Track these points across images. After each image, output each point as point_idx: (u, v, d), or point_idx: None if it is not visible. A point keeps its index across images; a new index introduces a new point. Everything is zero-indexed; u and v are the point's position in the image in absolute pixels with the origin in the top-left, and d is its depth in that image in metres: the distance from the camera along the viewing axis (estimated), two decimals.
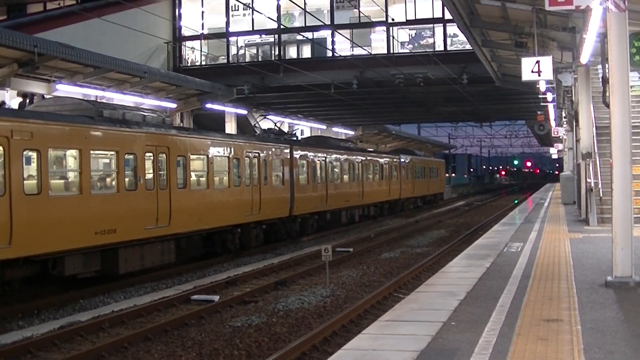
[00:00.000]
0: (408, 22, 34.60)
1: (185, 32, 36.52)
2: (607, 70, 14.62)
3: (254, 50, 36.70)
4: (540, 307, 9.18)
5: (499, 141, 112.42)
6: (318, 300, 16.14)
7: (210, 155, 22.15)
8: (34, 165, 15.41)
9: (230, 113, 36.75)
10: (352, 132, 55.60)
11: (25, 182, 15.07)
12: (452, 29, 32.75)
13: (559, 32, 20.38)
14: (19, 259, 15.11)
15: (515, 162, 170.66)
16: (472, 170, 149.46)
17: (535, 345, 7.34)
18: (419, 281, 16.98)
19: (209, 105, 33.32)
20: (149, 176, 19.06)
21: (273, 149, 26.91)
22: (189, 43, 36.93)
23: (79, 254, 16.71)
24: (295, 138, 33.30)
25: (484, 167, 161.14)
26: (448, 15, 29.97)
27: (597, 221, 20.08)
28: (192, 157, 21.17)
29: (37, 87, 24.48)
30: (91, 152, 17.06)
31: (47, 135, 15.76)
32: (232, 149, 23.57)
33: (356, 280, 19.08)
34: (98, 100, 23.39)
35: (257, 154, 25.28)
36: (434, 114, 55.11)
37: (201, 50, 36.74)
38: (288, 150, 28.33)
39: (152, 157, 19.18)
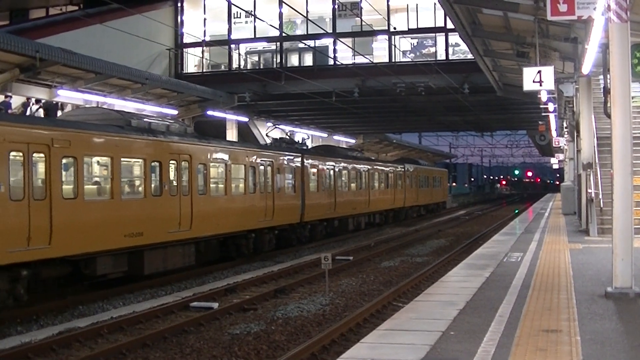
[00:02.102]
0: (410, 31, 34.67)
1: (187, 39, 36.57)
2: (608, 81, 14.62)
3: (256, 58, 36.73)
4: (540, 318, 9.15)
5: (500, 151, 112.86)
6: (317, 308, 16.11)
7: (228, 163, 23.20)
8: (71, 171, 16.46)
9: (232, 120, 36.77)
10: (353, 141, 55.58)
11: (63, 187, 16.08)
12: (454, 38, 32.79)
13: (560, 43, 20.40)
14: (56, 259, 15.97)
15: (516, 172, 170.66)
16: (472, 179, 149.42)
17: (534, 355, 7.30)
18: (419, 290, 16.95)
19: (210, 112, 33.34)
20: (173, 183, 20.12)
21: (286, 158, 28.09)
22: (192, 50, 36.98)
23: (109, 255, 17.69)
24: (305, 147, 34.10)
25: (485, 176, 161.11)
26: (450, 25, 29.96)
27: (598, 232, 20.05)
28: (211, 164, 22.25)
29: (38, 93, 24.50)
30: (121, 159, 18.13)
31: (83, 144, 16.84)
32: (248, 157, 24.70)
33: (355, 288, 19.04)
34: (126, 111, 23.85)
35: (271, 162, 26.39)
36: (435, 123, 55.15)
37: (203, 57, 36.75)
38: (300, 159, 29.38)
39: (175, 165, 20.24)
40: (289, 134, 37.21)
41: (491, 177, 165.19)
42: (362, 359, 7.51)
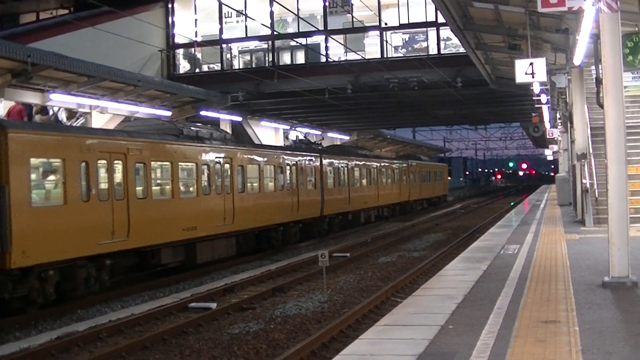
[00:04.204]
0: (401, 27, 34.59)
1: (179, 39, 36.50)
2: (600, 71, 14.65)
3: (248, 57, 36.68)
4: (538, 309, 9.17)
5: (494, 144, 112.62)
6: (316, 306, 16.12)
7: (261, 164, 26.21)
8: (141, 175, 19.17)
9: (225, 120, 36.74)
10: (347, 137, 55.54)
11: (136, 188, 18.82)
12: (446, 32, 32.75)
13: (552, 34, 20.42)
14: (130, 250, 18.53)
15: (511, 165, 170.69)
16: (467, 173, 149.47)
17: (534, 347, 7.33)
18: (417, 285, 16.96)
19: (203, 113, 33.29)
20: (218, 182, 22.95)
21: (307, 158, 31.08)
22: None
23: (170, 246, 20.44)
24: (320, 147, 36.50)
25: (480, 169, 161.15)
26: (441, 19, 29.95)
27: (593, 222, 20.08)
28: (248, 166, 25.20)
29: (31, 97, 24.44)
30: (179, 163, 20.92)
31: (151, 151, 19.66)
32: (277, 159, 27.86)
33: (353, 285, 19.07)
34: (174, 120, 26.22)
35: (295, 162, 29.46)
36: (429, 118, 55.10)
37: (195, 57, 36.70)
38: (318, 159, 32.38)
39: (220, 167, 23.10)
40: (305, 135, 40.59)
41: (486, 170, 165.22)
42: (362, 355, 7.52)
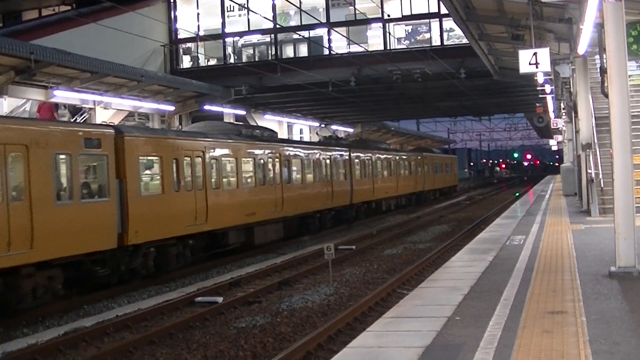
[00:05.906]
0: (404, 18, 34.56)
1: (181, 34, 36.47)
2: (604, 61, 14.60)
3: (251, 51, 36.66)
4: (545, 300, 9.16)
5: (498, 134, 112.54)
6: (322, 298, 16.12)
7: (302, 159, 29.91)
8: (214, 168, 22.52)
9: (229, 114, 36.76)
10: (351, 130, 55.51)
11: (212, 180, 22.14)
12: (449, 23, 32.71)
13: (555, 24, 20.34)
14: (205, 232, 21.68)
15: (515, 155, 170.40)
16: (472, 164, 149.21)
17: (541, 338, 7.32)
18: (423, 277, 16.95)
19: (207, 107, 33.29)
20: (270, 175, 26.36)
21: (338, 152, 34.37)
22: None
23: (234, 230, 23.59)
24: (347, 142, 39.45)
25: (484, 161, 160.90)
26: (444, 10, 29.90)
27: (599, 212, 20.04)
28: (292, 160, 28.75)
29: (34, 94, 24.47)
30: (242, 159, 24.34)
31: (222, 149, 23.16)
32: (315, 153, 31.26)
33: (359, 277, 19.07)
34: (233, 122, 30.99)
35: (329, 156, 32.84)
36: (432, 110, 55.06)
37: (197, 52, 36.68)
38: (348, 153, 35.57)
39: (271, 161, 26.51)
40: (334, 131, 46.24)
41: (490, 161, 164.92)
42: (370, 347, 7.52)
